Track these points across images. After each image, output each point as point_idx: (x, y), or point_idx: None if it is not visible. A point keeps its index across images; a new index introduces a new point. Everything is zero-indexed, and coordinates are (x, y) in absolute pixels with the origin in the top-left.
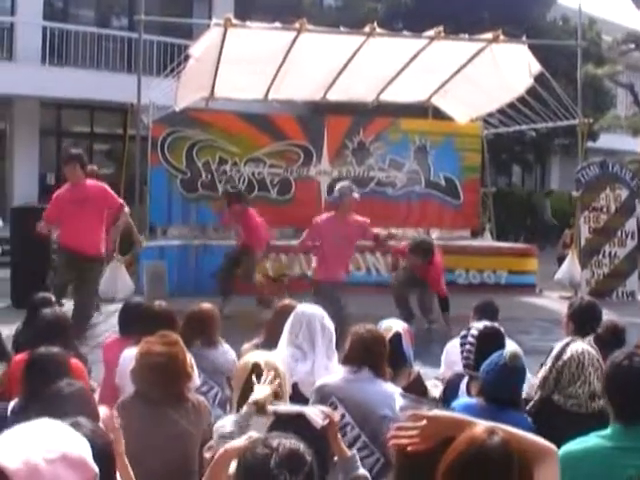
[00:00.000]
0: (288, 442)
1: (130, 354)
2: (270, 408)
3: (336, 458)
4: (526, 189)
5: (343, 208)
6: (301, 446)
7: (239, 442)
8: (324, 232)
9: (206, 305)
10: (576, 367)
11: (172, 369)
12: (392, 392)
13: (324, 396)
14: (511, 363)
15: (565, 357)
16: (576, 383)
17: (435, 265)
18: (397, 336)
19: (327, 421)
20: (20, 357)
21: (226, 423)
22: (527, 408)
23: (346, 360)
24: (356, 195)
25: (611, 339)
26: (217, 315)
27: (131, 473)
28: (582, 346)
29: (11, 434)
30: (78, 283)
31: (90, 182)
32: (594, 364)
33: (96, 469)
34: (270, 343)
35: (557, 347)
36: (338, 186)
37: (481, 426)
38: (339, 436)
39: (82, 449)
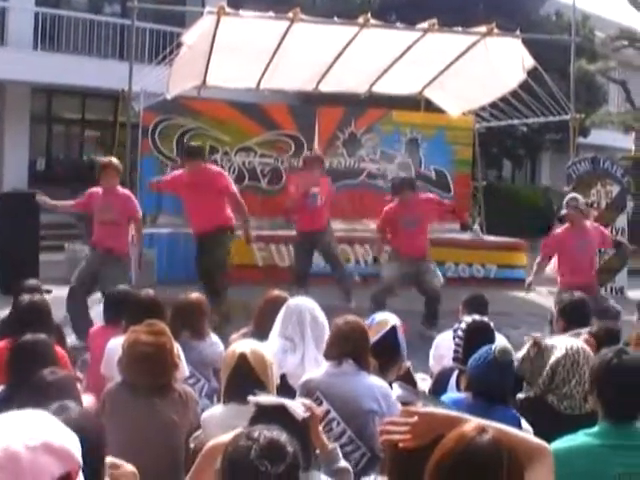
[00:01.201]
0: (269, 433)
1: (116, 343)
2: (252, 399)
3: (318, 451)
4: (516, 184)
5: None
6: (283, 437)
7: (225, 437)
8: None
9: (194, 295)
10: (571, 365)
11: (159, 359)
12: (378, 385)
13: (309, 391)
14: (500, 358)
15: (559, 354)
16: (571, 382)
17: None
18: (393, 329)
19: (308, 413)
20: (2, 344)
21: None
22: (518, 401)
23: (328, 354)
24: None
25: (606, 339)
26: (205, 305)
27: None
28: (576, 343)
29: None
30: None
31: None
32: (589, 362)
33: (80, 461)
34: (259, 333)
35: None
36: None
37: (472, 424)
38: (320, 429)
39: (66, 439)
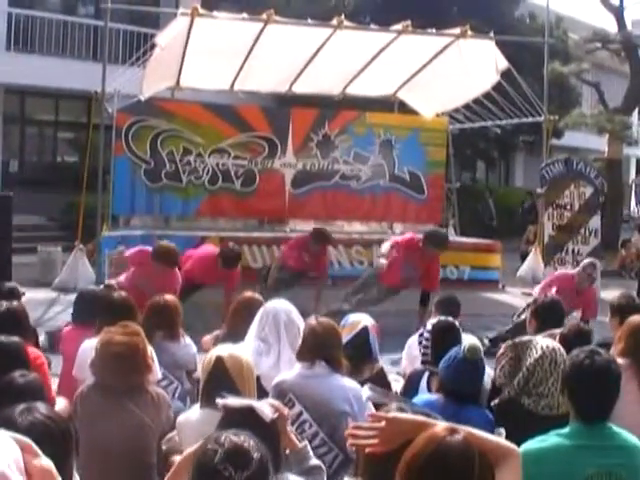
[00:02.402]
0: (236, 438)
1: (89, 345)
2: (219, 402)
3: (288, 451)
4: (490, 185)
5: None
6: (249, 442)
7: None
8: None
9: (169, 297)
10: (549, 364)
11: (132, 359)
12: (350, 387)
13: (281, 393)
14: (470, 356)
15: (536, 354)
16: (548, 380)
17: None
18: (365, 329)
19: (277, 414)
20: None
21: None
22: (492, 405)
23: (300, 355)
24: None
25: (577, 340)
26: (179, 307)
27: None
28: (552, 343)
29: None
30: None
31: None
32: (565, 361)
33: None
34: (231, 335)
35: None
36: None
37: (442, 425)
38: (289, 429)
39: (2, 462)
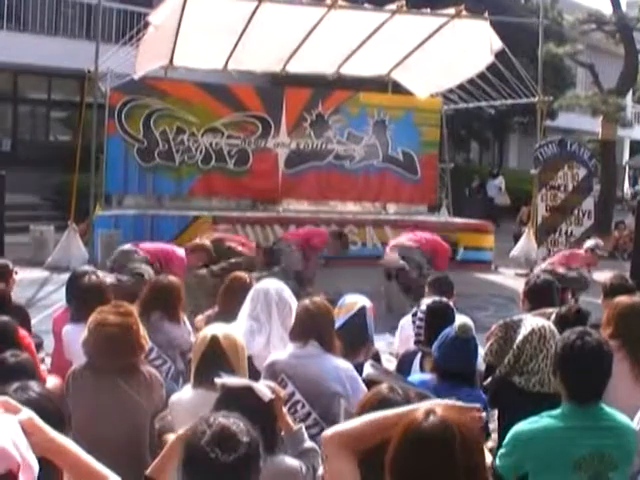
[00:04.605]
0: (225, 420)
1: (69, 328)
2: (218, 381)
3: (283, 433)
4: (484, 166)
5: None
6: (239, 425)
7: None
8: None
9: (172, 278)
10: (538, 340)
11: (125, 341)
12: (343, 367)
13: (274, 373)
14: (461, 334)
15: (525, 332)
16: (538, 357)
17: None
18: (362, 310)
19: (274, 395)
20: None
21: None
22: (484, 385)
23: (292, 335)
24: None
25: (575, 320)
26: (180, 289)
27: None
28: (540, 320)
29: None
30: None
31: None
32: (554, 337)
33: (19, 460)
34: (223, 315)
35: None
36: None
37: (420, 409)
38: (285, 411)
39: (4, 440)
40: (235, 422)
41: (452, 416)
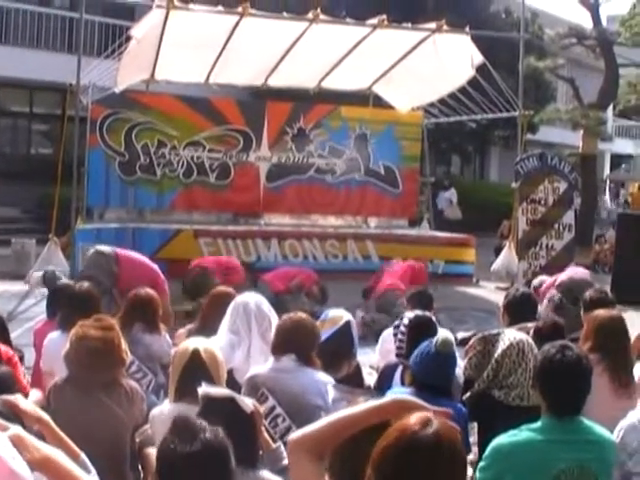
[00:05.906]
0: (192, 417)
1: (52, 338)
2: (201, 391)
3: (261, 452)
4: (465, 179)
5: None
6: (204, 424)
7: None
8: None
9: (150, 290)
10: (516, 354)
11: (107, 355)
12: (323, 380)
13: (254, 387)
14: (442, 350)
15: (504, 346)
16: (517, 371)
17: None
18: (347, 324)
19: (254, 409)
20: None
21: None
22: (464, 398)
23: (273, 349)
24: None
25: (551, 335)
26: (159, 301)
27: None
28: (519, 334)
29: None
30: None
31: None
32: (533, 351)
33: (11, 466)
34: (204, 329)
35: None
36: None
37: (416, 416)
38: (264, 428)
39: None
40: (202, 421)
41: (446, 430)
